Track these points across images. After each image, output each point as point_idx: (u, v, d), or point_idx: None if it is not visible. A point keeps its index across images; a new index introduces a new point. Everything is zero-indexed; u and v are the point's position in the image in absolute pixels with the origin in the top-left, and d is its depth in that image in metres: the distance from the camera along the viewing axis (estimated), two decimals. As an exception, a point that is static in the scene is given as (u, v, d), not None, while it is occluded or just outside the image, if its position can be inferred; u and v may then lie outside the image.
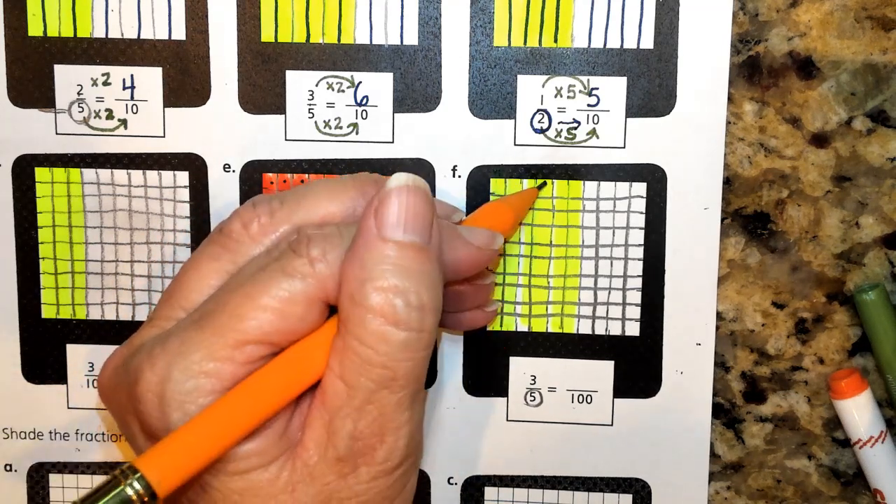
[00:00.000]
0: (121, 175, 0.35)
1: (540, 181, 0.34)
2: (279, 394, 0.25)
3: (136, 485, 0.23)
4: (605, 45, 0.33)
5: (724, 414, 0.36)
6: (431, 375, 0.36)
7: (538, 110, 0.34)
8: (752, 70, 0.34)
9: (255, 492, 0.25)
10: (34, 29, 0.34)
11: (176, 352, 0.25)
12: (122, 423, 0.28)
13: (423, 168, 0.34)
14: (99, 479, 0.37)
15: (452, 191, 0.34)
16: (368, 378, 0.25)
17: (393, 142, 0.34)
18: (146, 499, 0.23)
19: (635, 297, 0.35)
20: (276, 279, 0.25)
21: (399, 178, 0.26)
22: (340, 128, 0.34)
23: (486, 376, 0.36)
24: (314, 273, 0.25)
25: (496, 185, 0.34)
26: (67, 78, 0.34)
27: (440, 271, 0.26)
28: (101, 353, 0.36)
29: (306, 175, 0.35)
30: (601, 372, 0.35)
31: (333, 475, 0.26)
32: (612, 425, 0.36)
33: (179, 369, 0.25)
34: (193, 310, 0.27)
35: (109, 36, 0.34)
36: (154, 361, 0.25)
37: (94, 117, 0.35)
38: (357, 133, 0.34)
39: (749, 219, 0.35)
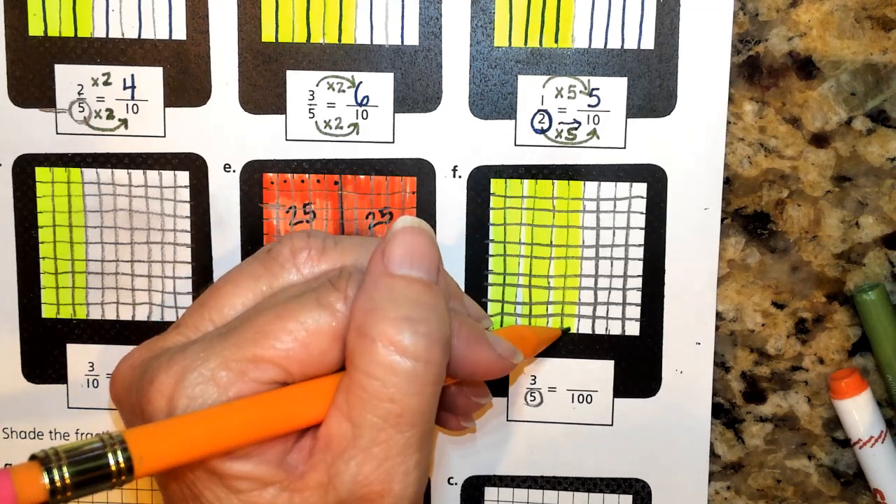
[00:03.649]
0: (121, 175, 0.35)
1: (566, 327, 0.35)
2: (278, 420, 0.25)
3: (119, 455, 0.23)
4: (605, 45, 0.33)
5: (724, 414, 0.36)
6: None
7: (539, 110, 0.34)
8: (752, 70, 0.34)
9: None
10: (35, 29, 0.34)
11: (194, 357, 0.25)
12: (128, 425, 0.28)
13: (423, 168, 0.34)
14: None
15: (452, 191, 0.34)
16: (374, 414, 0.25)
17: (393, 142, 0.34)
18: (123, 475, 0.23)
19: (635, 297, 0.35)
20: (307, 308, 0.25)
21: (404, 221, 0.27)
22: (341, 128, 0.34)
23: (486, 376, 0.36)
24: (346, 311, 0.25)
25: (496, 185, 0.34)
26: (68, 78, 0.34)
27: (447, 308, 0.26)
28: (100, 353, 0.36)
29: (306, 175, 0.35)
30: (601, 372, 0.35)
31: None
32: (612, 425, 0.36)
33: (193, 374, 0.25)
34: (223, 324, 0.27)
35: (110, 36, 0.34)
36: (172, 365, 0.25)
37: (95, 117, 0.35)
38: (357, 133, 0.34)
39: (749, 219, 0.35)
